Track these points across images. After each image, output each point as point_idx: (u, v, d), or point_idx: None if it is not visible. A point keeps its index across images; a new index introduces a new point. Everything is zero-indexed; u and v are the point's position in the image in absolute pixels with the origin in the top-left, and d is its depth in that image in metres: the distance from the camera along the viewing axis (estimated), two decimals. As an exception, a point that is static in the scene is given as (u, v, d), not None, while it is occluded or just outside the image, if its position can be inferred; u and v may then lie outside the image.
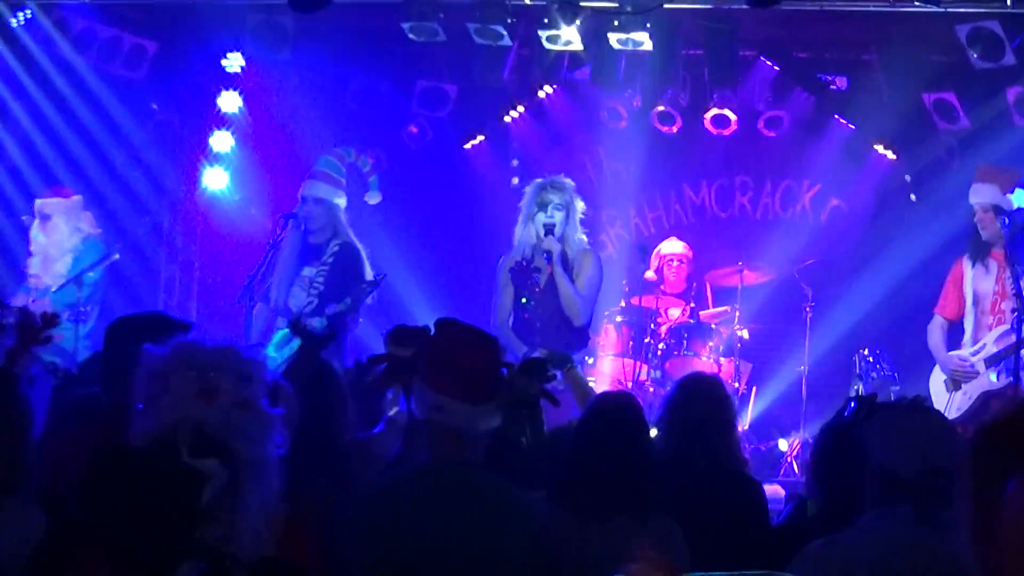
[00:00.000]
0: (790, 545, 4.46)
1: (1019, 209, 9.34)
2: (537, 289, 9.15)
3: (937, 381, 9.48)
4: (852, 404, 5.27)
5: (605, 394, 5.79)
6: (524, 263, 9.25)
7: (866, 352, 11.23)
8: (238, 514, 3.65)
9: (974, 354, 9.32)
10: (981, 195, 9.51)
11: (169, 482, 3.68)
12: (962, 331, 9.61)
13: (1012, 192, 9.46)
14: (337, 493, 4.93)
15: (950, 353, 9.43)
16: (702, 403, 5.81)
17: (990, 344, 9.26)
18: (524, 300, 9.14)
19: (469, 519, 4.44)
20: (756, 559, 4.45)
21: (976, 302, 9.45)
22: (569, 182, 9.37)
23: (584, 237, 9.41)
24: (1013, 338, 9.01)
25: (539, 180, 9.40)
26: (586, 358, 9.69)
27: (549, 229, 9.15)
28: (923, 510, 4.06)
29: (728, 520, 5.47)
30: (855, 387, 10.75)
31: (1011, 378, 9.06)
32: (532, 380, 5.35)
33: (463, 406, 4.50)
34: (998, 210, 9.37)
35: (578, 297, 9.12)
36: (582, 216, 9.36)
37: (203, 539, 3.56)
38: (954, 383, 9.39)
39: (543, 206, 9.17)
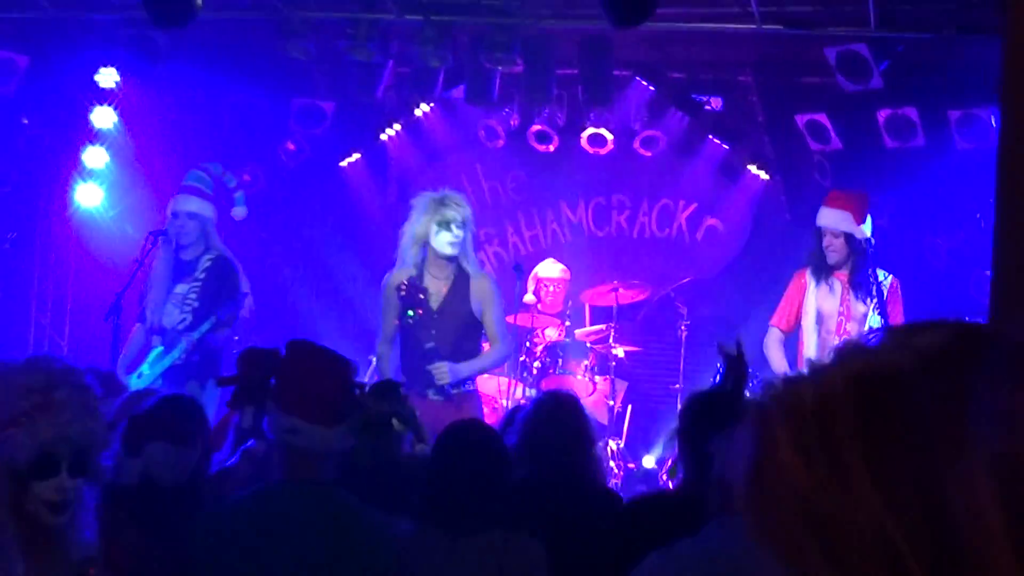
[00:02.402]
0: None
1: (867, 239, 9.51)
2: (420, 312, 8.74)
3: None
4: (720, 368, 5.37)
5: (459, 422, 5.83)
6: (412, 284, 8.81)
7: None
8: (78, 536, 3.68)
9: None
10: (831, 220, 9.59)
11: None
12: (793, 344, 9.69)
13: (864, 221, 9.58)
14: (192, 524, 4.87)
15: None
16: (557, 421, 5.87)
17: None
18: (410, 313, 8.76)
19: (322, 536, 4.53)
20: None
21: (820, 321, 9.52)
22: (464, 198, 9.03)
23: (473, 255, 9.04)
24: None
25: (431, 194, 8.90)
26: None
27: (453, 252, 8.73)
28: None
29: (587, 536, 5.47)
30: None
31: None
32: (384, 402, 5.37)
33: (316, 428, 4.56)
34: (850, 239, 9.51)
35: (496, 348, 8.94)
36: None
37: (61, 563, 3.59)
38: None
39: (445, 224, 8.71)
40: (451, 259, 8.80)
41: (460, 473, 5.10)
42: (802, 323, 9.60)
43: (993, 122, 11.29)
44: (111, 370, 7.73)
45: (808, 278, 9.64)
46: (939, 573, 1.18)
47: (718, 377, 5.53)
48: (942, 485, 1.19)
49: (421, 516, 5.11)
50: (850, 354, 1.31)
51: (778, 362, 9.60)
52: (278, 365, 4.82)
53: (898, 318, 9.39)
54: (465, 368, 8.73)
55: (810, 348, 9.51)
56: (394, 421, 5.52)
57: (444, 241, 8.74)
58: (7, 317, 11.79)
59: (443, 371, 8.59)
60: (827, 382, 1.29)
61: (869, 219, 9.54)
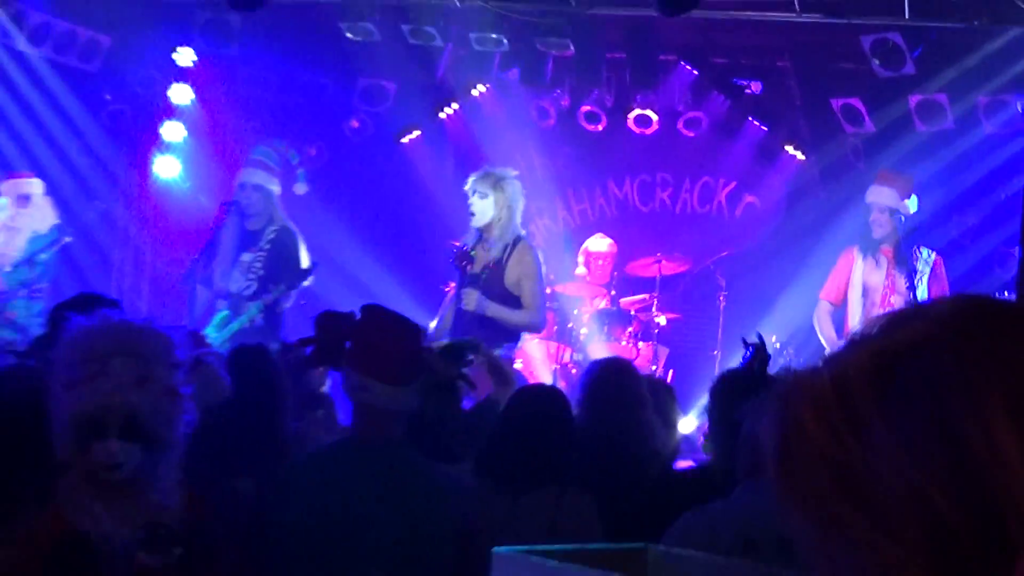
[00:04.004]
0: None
1: (913, 215, 9.98)
2: (469, 272, 8.86)
3: None
4: (748, 352, 5.77)
5: (533, 385, 6.03)
6: (461, 249, 8.98)
7: (774, 339, 11.80)
8: (156, 489, 3.79)
9: None
10: (879, 197, 9.99)
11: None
12: (843, 317, 10.07)
13: (909, 197, 10.04)
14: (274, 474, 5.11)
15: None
16: (619, 384, 6.14)
17: None
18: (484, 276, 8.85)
19: (390, 491, 4.74)
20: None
21: (866, 293, 9.90)
22: (500, 172, 9.08)
23: (520, 229, 9.04)
24: None
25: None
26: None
27: (476, 224, 8.87)
28: None
29: (638, 494, 5.67)
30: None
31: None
32: (451, 364, 5.78)
33: (385, 387, 4.84)
34: (895, 213, 9.97)
35: (525, 312, 8.84)
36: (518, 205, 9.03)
37: (136, 512, 3.71)
38: None
39: (469, 193, 8.94)
40: (493, 231, 8.90)
41: (524, 434, 5.29)
42: (848, 296, 9.96)
43: (1019, 107, 11.72)
44: (196, 329, 8.18)
45: (856, 253, 10.02)
46: (970, 517, 1.20)
47: (745, 359, 5.97)
48: (962, 432, 1.21)
49: (481, 472, 5.32)
50: (863, 334, 1.34)
51: (827, 332, 9.99)
52: (353, 328, 5.00)
53: (942, 294, 9.56)
54: (493, 307, 8.70)
55: (855, 320, 9.85)
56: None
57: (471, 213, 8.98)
58: (90, 282, 12.07)
59: (472, 297, 8.68)
60: (842, 359, 1.33)
61: (915, 198, 9.93)
